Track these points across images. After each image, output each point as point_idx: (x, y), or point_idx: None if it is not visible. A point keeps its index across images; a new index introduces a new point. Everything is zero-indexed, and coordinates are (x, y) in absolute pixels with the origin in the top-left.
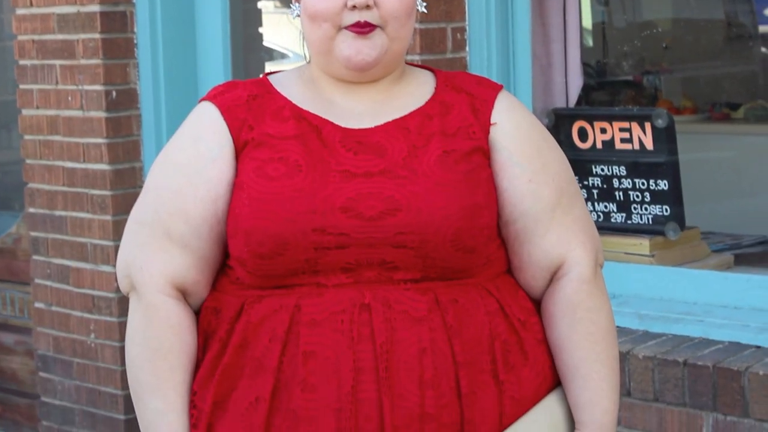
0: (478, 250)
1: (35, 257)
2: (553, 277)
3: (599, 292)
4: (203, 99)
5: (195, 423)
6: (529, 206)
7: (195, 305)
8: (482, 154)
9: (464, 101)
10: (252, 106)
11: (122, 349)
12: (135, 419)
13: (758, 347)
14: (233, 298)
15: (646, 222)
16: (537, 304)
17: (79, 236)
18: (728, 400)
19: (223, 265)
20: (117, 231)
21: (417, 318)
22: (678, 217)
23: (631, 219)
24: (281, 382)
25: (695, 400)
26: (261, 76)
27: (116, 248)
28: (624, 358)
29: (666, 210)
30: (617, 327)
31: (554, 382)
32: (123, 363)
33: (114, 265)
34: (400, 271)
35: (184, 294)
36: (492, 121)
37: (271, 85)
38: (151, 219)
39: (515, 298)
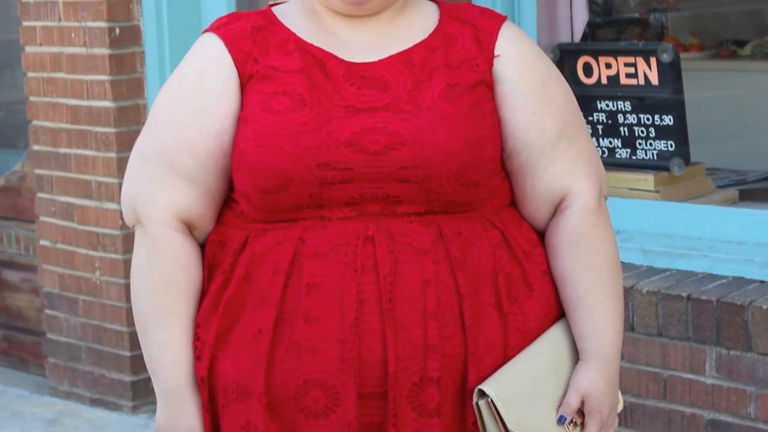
0: (482, 184)
1: (40, 195)
2: (557, 208)
3: (603, 223)
4: (207, 30)
5: (199, 355)
6: (533, 138)
7: (200, 238)
8: (486, 86)
9: (468, 33)
10: (256, 38)
11: (127, 287)
12: (140, 356)
13: (762, 282)
14: (238, 231)
15: (651, 157)
16: (541, 235)
17: (83, 173)
18: (732, 334)
19: (228, 199)
20: (121, 168)
21: (421, 250)
22: (683, 153)
23: (635, 155)
24: (284, 313)
25: (699, 335)
26: (265, 7)
27: (120, 186)
28: (628, 293)
29: (671, 145)
30: (621, 262)
31: (559, 313)
32: (128, 300)
33: (119, 203)
34: (403, 205)
35: (189, 227)
36: (496, 53)
37: (275, 16)
38: (156, 152)
39: (519, 230)
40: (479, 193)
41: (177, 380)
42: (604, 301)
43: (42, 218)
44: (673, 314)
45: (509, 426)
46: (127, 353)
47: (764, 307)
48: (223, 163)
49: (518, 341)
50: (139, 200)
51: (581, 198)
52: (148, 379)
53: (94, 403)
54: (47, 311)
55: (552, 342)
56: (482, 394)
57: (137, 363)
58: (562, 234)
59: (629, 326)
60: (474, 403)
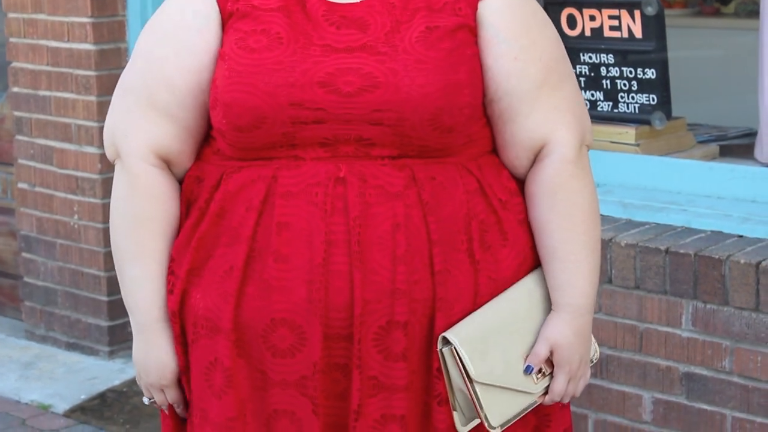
0: (457, 130)
1: (19, 137)
2: (537, 157)
3: (582, 173)
4: None
5: (171, 289)
6: (514, 85)
7: (179, 175)
8: (468, 30)
9: None
10: None
11: (105, 231)
12: (117, 301)
13: (740, 236)
14: (214, 168)
15: (633, 111)
16: (522, 184)
17: (63, 116)
18: (709, 288)
19: (207, 135)
20: (101, 112)
21: (392, 193)
22: (665, 107)
23: (617, 108)
24: (255, 251)
25: (676, 288)
26: None
27: (100, 129)
28: (606, 245)
29: (653, 99)
30: (601, 215)
31: (535, 263)
32: (106, 245)
33: (98, 146)
34: (377, 148)
35: (167, 163)
36: None
37: None
38: (137, 86)
39: (498, 178)
40: (455, 138)
41: (150, 314)
42: (579, 252)
43: (20, 161)
44: (651, 267)
45: (471, 374)
46: (104, 298)
47: (741, 261)
48: (202, 100)
49: (489, 289)
50: (118, 134)
51: (560, 147)
52: (125, 324)
53: (71, 347)
54: (24, 254)
55: (524, 292)
56: (446, 341)
57: (114, 308)
58: (539, 183)
59: (607, 279)
60: (438, 350)
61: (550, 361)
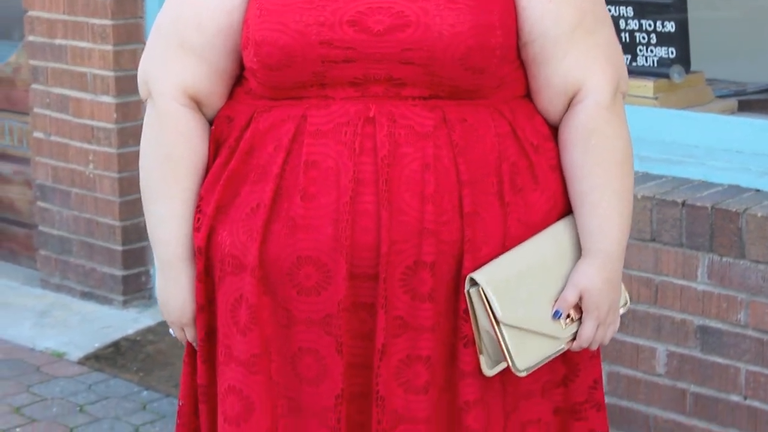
0: (489, 71)
1: (34, 86)
2: (571, 102)
3: (617, 120)
4: None
5: (198, 226)
6: (548, 27)
7: (210, 115)
8: None
9: None
10: None
11: (120, 180)
12: (132, 250)
13: (758, 190)
14: (245, 107)
15: (651, 64)
16: (555, 131)
17: (79, 65)
18: (725, 241)
19: (240, 76)
20: (117, 61)
21: (422, 133)
22: (683, 60)
23: (636, 61)
24: (282, 189)
25: (692, 241)
26: None
27: (116, 79)
28: None
29: (672, 52)
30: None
31: (566, 210)
32: (121, 194)
33: (114, 96)
34: (408, 88)
35: (198, 104)
36: None
37: None
38: (168, 27)
39: (531, 122)
40: (486, 80)
41: (173, 252)
42: (610, 198)
43: (36, 110)
44: (667, 220)
45: (498, 316)
46: (119, 247)
47: (758, 214)
48: (233, 40)
49: (519, 232)
50: (150, 74)
51: (595, 93)
52: (140, 274)
53: (85, 296)
54: (39, 204)
55: (555, 236)
56: (474, 282)
57: (129, 257)
58: (573, 129)
59: None
60: (465, 291)
61: (578, 307)
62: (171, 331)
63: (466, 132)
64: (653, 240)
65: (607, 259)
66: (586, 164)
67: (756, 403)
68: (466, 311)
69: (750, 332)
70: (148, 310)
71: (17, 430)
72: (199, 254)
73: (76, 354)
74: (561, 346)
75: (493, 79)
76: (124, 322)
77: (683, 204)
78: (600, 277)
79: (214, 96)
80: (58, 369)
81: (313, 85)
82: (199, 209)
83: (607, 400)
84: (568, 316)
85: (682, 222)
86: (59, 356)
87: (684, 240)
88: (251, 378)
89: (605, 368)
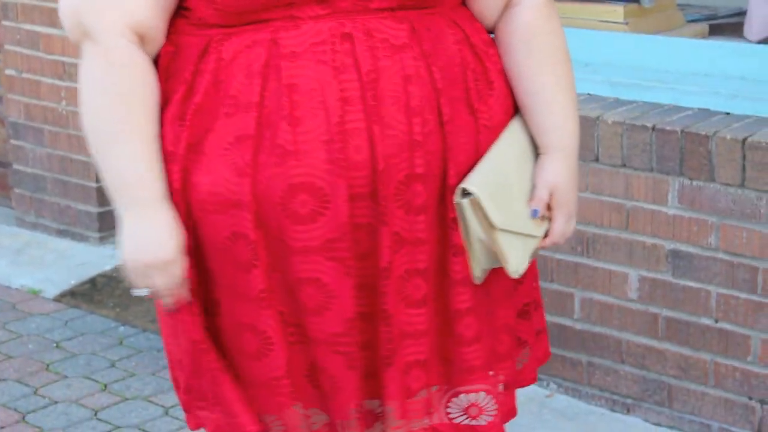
0: None
1: (5, 23)
2: (507, 4)
3: (555, 15)
4: None
5: (170, 168)
6: None
7: (151, 52)
8: None
9: None
10: None
11: None
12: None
13: (728, 113)
14: (196, 39)
15: None
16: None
17: (49, 1)
18: (695, 164)
19: (178, 8)
20: None
21: (398, 46)
22: None
23: None
24: (264, 117)
25: (662, 166)
26: None
27: None
28: (593, 123)
29: None
30: (588, 94)
31: (514, 111)
32: None
33: None
34: (375, 0)
35: (143, 41)
36: None
37: None
38: None
39: (475, 29)
40: None
41: (144, 193)
42: (562, 94)
43: (7, 47)
44: (638, 145)
45: (495, 223)
46: (94, 184)
47: (728, 137)
48: None
49: (487, 137)
50: (86, 12)
51: None
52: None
53: (61, 233)
54: (13, 141)
55: (514, 138)
56: (464, 192)
57: (104, 194)
58: (515, 30)
59: (594, 157)
60: (456, 201)
61: (548, 205)
62: (137, 291)
63: (433, 41)
64: (624, 165)
65: (569, 153)
66: (533, 63)
67: (727, 326)
68: (454, 220)
69: (720, 255)
70: None
71: None
72: (177, 195)
73: (52, 291)
74: (537, 244)
75: None
76: (100, 258)
77: (653, 128)
78: (565, 172)
79: (158, 30)
80: (34, 306)
81: (278, 6)
82: (166, 150)
83: (580, 326)
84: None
85: (652, 146)
86: (35, 293)
87: (654, 164)
88: (263, 312)
89: (577, 294)
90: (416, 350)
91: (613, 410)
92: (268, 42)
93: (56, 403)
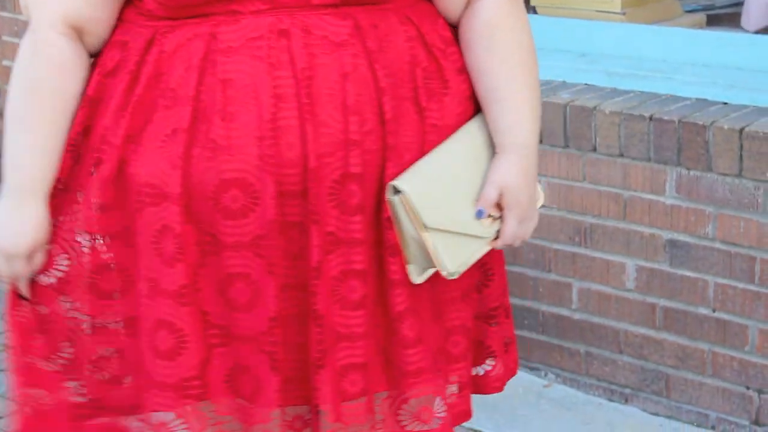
0: None
1: (2, 14)
2: (470, 0)
3: (518, 11)
4: None
5: (102, 158)
6: None
7: (95, 44)
8: None
9: None
10: None
11: None
12: None
13: (725, 103)
14: (143, 30)
15: None
16: (455, 32)
17: None
18: (692, 154)
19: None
20: None
21: (338, 43)
22: None
23: None
24: (199, 111)
25: (660, 155)
26: None
27: None
28: (590, 113)
29: None
30: (585, 84)
31: (475, 113)
32: None
33: None
34: None
35: (80, 33)
36: None
37: None
38: None
39: (434, 27)
40: None
41: (21, 182)
42: (521, 92)
43: (4, 38)
44: (635, 134)
45: (424, 222)
46: None
47: (725, 127)
48: None
49: (435, 137)
50: (31, 3)
51: None
52: None
53: None
54: None
55: (468, 137)
56: (396, 190)
57: None
58: (476, 26)
59: (591, 147)
60: (388, 199)
61: (499, 206)
62: None
63: (379, 38)
64: (621, 155)
65: (523, 152)
66: (493, 59)
67: (724, 315)
68: (389, 219)
69: (718, 245)
70: None
71: None
72: (106, 187)
73: None
74: (486, 245)
75: None
76: None
77: (651, 118)
78: (518, 172)
79: (99, 23)
80: None
81: (220, 0)
82: (104, 140)
83: (577, 316)
84: (490, 215)
85: (649, 136)
86: None
87: (652, 154)
88: (182, 309)
89: (575, 285)
90: (352, 353)
91: (611, 400)
92: (208, 36)
93: None
